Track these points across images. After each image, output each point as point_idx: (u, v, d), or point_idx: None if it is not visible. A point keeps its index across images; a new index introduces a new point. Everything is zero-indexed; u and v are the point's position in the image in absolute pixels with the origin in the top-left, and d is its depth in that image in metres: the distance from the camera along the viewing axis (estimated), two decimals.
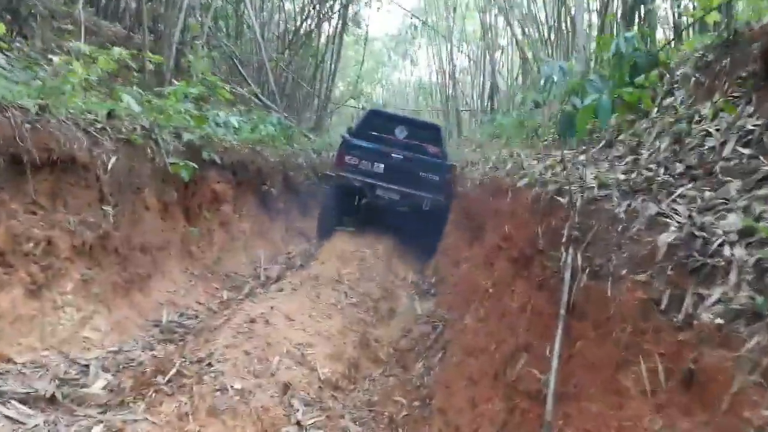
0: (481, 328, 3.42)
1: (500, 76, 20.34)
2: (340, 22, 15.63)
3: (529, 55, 15.18)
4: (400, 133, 8.11)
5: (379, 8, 18.44)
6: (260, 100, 11.00)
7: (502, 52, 19.65)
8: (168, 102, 4.93)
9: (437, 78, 25.66)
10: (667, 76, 3.84)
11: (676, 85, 3.56)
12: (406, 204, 7.32)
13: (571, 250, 2.29)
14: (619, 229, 2.12)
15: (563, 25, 11.38)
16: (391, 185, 7.25)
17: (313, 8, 14.93)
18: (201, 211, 5.54)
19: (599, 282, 2.04)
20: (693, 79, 3.19)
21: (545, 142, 5.26)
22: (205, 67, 6.15)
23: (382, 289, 5.75)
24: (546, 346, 2.21)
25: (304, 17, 15.15)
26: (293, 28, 15.22)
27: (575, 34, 9.64)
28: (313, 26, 15.29)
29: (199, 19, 9.96)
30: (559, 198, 2.72)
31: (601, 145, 3.27)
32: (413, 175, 7.32)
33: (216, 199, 5.89)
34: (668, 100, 3.39)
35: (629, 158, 2.89)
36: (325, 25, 15.90)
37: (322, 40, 16.15)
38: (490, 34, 18.74)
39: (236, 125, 5.38)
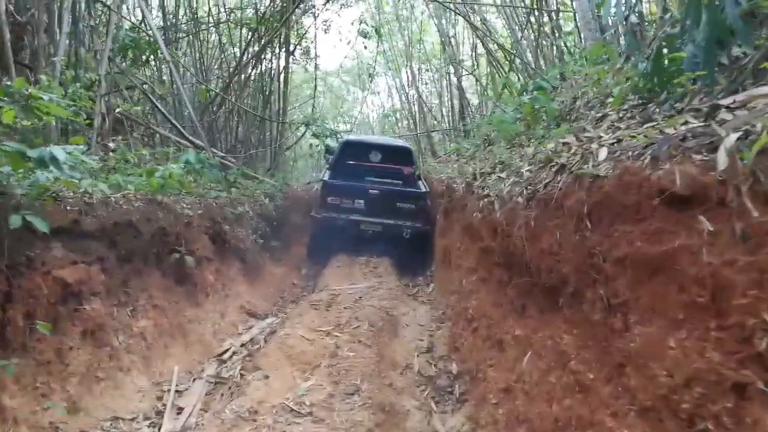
0: None
1: (470, 90, 18.41)
2: (284, 50, 13.60)
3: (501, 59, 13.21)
4: (374, 156, 8.76)
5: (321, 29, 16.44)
6: (186, 139, 8.63)
7: (474, 67, 17.50)
8: None
9: (401, 104, 23.69)
10: None
11: None
12: (388, 234, 7.96)
13: None
14: None
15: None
16: (373, 219, 7.99)
17: (257, 41, 12.79)
18: (31, 325, 3.06)
19: None
20: None
21: (622, 117, 3.00)
22: (58, 90, 3.77)
23: (373, 405, 3.30)
24: None
25: (243, 51, 13.01)
26: (234, 65, 13.05)
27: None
28: (254, 59, 13.14)
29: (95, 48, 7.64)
30: None
31: None
32: (391, 206, 8.06)
33: (70, 294, 3.43)
34: None
35: None
36: (275, 62, 13.94)
37: (271, 74, 14.05)
38: (452, 45, 16.86)
39: (63, 160, 2.87)
